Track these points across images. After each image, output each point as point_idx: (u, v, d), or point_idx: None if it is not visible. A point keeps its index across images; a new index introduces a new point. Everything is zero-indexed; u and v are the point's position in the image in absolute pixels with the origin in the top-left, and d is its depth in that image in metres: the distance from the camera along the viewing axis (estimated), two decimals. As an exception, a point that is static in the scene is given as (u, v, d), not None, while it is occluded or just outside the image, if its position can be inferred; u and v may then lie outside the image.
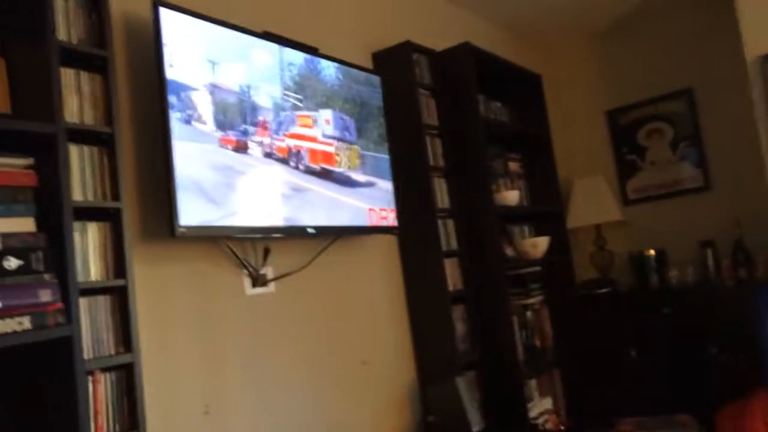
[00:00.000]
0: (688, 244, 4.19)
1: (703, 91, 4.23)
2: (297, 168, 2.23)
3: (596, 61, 4.68)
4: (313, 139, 2.29)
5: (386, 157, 2.82)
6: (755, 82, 3.20)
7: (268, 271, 2.38)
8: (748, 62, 3.24)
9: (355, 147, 2.44)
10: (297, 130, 2.26)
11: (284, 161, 2.21)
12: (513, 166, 3.84)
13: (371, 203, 2.65)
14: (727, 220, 4.07)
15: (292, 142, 2.24)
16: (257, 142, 2.17)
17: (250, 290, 2.30)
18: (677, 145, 4.31)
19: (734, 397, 3.02)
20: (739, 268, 3.73)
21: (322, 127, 2.33)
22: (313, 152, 2.28)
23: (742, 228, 3.90)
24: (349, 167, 2.41)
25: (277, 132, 2.22)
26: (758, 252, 3.72)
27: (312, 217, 2.34)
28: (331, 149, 2.33)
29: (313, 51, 2.54)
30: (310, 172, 2.28)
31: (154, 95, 2.10)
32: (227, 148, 2.08)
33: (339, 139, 2.37)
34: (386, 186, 2.71)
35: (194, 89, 2.01)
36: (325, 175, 2.32)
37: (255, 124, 2.17)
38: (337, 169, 2.34)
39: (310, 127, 2.30)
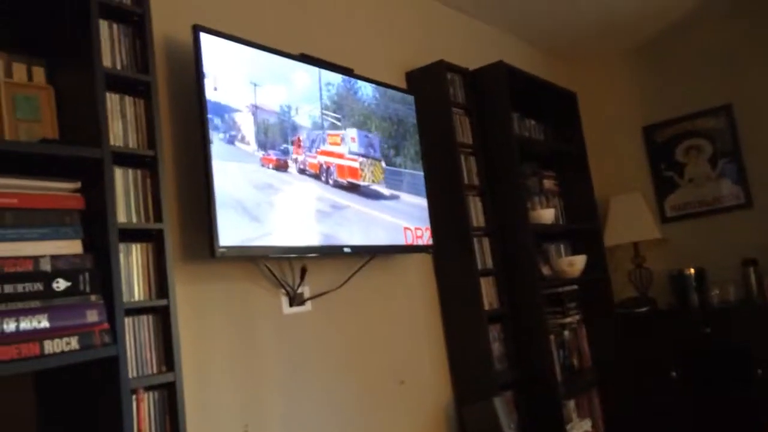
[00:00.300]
0: (729, 263, 4.11)
1: (742, 106, 4.16)
2: (327, 182, 2.30)
3: (632, 77, 4.64)
4: (341, 156, 2.38)
5: (421, 174, 2.84)
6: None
7: (305, 290, 2.40)
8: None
9: (379, 163, 2.50)
10: (327, 147, 2.35)
11: (316, 177, 2.29)
12: (548, 183, 3.82)
13: (406, 220, 2.66)
14: (769, 238, 3.99)
15: (323, 159, 2.32)
16: (293, 159, 2.22)
17: (287, 309, 2.32)
18: (716, 162, 4.24)
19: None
20: (783, 287, 3.64)
21: (348, 144, 2.42)
22: (340, 168, 2.36)
23: (786, 245, 3.82)
24: (373, 181, 2.48)
25: (310, 149, 2.28)
26: (803, 270, 3.64)
27: (349, 235, 2.37)
28: (355, 164, 2.41)
29: (348, 72, 2.58)
30: (338, 186, 2.35)
31: (194, 118, 2.15)
32: (268, 167, 2.13)
33: (364, 156, 2.45)
34: (410, 200, 2.73)
35: (237, 111, 2.07)
36: (351, 188, 2.40)
37: (292, 143, 2.22)
38: (362, 183, 2.42)
39: (338, 144, 2.39)
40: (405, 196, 2.64)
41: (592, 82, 4.84)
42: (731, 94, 4.20)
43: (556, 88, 3.74)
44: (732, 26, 4.20)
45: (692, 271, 4.00)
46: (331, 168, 2.33)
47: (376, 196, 2.50)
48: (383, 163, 2.54)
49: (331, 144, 2.36)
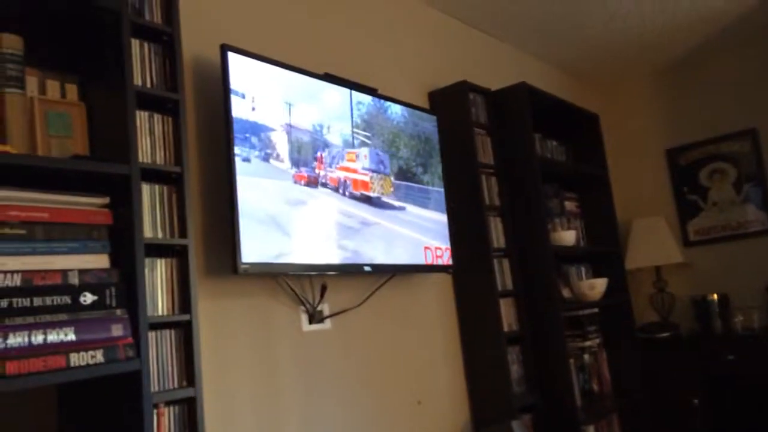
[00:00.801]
0: (753, 289, 4.05)
1: (768, 130, 4.13)
2: (344, 194, 2.42)
3: (656, 100, 4.62)
4: (355, 171, 2.49)
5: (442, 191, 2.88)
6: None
7: (325, 308, 2.41)
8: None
9: (389, 177, 2.64)
10: (345, 163, 2.46)
11: (336, 189, 2.38)
12: (570, 205, 3.81)
13: (426, 236, 2.67)
14: (795, 264, 3.93)
15: (341, 174, 2.42)
16: (317, 174, 2.29)
17: (307, 327, 2.33)
18: (741, 186, 4.20)
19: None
20: (809, 315, 3.58)
21: (362, 161, 2.53)
22: (354, 181, 2.47)
23: (812, 272, 3.76)
24: (383, 193, 2.60)
25: (330, 165, 2.36)
26: (830, 298, 3.58)
27: (372, 251, 2.42)
28: (366, 179, 2.52)
29: (372, 92, 2.60)
30: (353, 197, 2.45)
31: (221, 135, 2.18)
32: (300, 184, 2.21)
33: (374, 171, 2.58)
34: (418, 211, 2.76)
35: (273, 130, 2.14)
36: (364, 200, 2.49)
37: (315, 159, 2.28)
38: (372, 195, 2.53)
39: (353, 161, 2.49)
40: (411, 207, 2.70)
41: (615, 103, 4.83)
42: (756, 118, 4.17)
43: (579, 110, 3.74)
44: (757, 50, 4.18)
45: (715, 296, 3.95)
46: (348, 182, 2.43)
47: (385, 206, 2.59)
48: (393, 178, 2.64)
49: (348, 160, 2.47)
